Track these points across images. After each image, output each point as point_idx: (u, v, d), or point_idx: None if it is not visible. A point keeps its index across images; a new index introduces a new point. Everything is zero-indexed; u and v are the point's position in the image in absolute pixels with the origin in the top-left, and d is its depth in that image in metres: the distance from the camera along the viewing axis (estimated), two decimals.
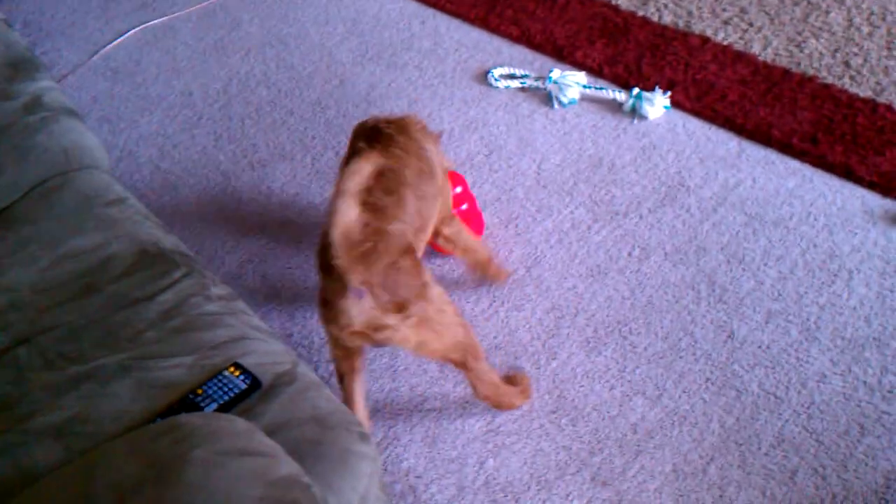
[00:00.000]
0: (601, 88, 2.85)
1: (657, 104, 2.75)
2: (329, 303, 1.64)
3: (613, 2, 3.20)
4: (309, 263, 2.45)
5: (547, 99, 2.89)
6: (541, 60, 3.05)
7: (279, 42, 3.31)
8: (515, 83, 2.95)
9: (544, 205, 2.54)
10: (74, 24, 3.51)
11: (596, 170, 2.62)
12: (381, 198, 1.70)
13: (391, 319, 1.63)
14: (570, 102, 2.85)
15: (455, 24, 3.27)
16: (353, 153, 1.91)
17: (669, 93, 2.79)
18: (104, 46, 3.37)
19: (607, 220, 2.47)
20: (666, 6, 3.14)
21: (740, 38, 2.96)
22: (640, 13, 3.13)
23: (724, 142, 2.66)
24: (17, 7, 3.57)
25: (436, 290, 1.75)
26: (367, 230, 1.61)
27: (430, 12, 3.33)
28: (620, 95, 2.82)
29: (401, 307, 1.63)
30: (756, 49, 2.91)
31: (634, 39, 3.03)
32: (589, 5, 3.20)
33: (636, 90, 2.79)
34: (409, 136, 1.92)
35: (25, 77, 2.17)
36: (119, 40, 3.39)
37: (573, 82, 2.85)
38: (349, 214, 1.47)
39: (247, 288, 2.41)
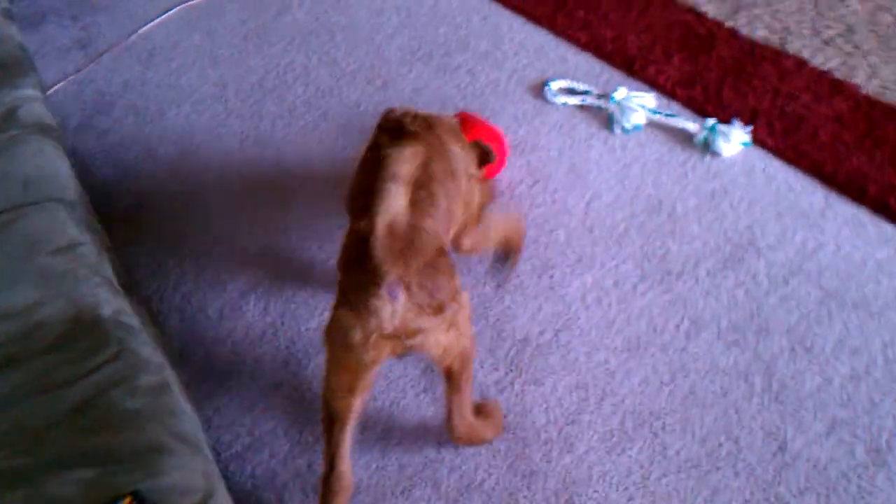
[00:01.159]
0: (671, 115, 2.48)
1: (734, 140, 2.37)
2: (353, 304, 1.48)
3: (700, 9, 2.79)
4: (317, 299, 2.19)
5: (607, 122, 2.52)
6: (608, 74, 2.68)
7: (326, 32, 3.01)
8: (575, 100, 2.59)
9: (587, 253, 2.20)
10: None
11: (652, 215, 2.27)
12: (415, 192, 1.50)
13: (426, 322, 1.51)
14: (633, 129, 2.49)
15: (518, 22, 2.93)
16: (376, 146, 1.76)
17: (751, 127, 2.39)
18: (145, 24, 3.14)
19: (657, 280, 2.12)
20: (760, 18, 2.72)
21: (842, 63, 2.53)
22: (729, 24, 2.72)
23: (808, 192, 2.27)
24: None
25: (464, 294, 1.63)
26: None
27: (493, 7, 2.99)
28: (692, 126, 2.44)
29: (438, 309, 1.52)
30: (859, 79, 2.48)
31: (718, 56, 2.63)
32: (671, 11, 2.81)
33: (711, 121, 2.41)
34: (435, 135, 1.77)
35: (5, 83, 1.94)
36: (161, 18, 3.16)
37: (639, 105, 2.48)
38: (399, 202, 1.37)
39: (245, 321, 2.16)
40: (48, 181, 1.77)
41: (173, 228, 2.43)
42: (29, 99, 1.93)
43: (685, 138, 2.45)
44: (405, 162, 1.39)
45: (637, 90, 2.56)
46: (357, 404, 1.63)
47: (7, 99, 1.91)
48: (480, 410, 1.83)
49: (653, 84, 2.60)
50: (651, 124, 2.50)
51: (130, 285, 1.94)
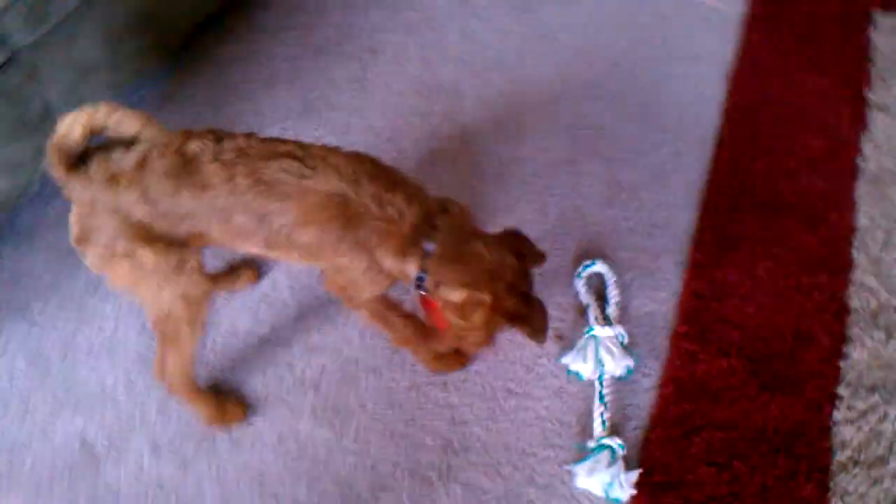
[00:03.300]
0: (604, 406, 1.92)
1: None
2: None
3: None
4: None
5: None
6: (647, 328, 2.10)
7: None
8: (588, 297, 2.10)
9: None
10: None
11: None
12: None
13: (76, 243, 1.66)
14: (574, 374, 2.00)
15: None
16: None
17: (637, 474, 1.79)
18: None
19: None
20: None
21: None
22: None
23: None
24: None
25: (149, 256, 1.64)
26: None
27: None
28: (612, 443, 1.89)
29: (80, 240, 1.65)
30: None
31: None
32: None
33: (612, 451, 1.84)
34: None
35: None
36: None
37: (600, 360, 1.96)
38: (70, 128, 1.52)
39: None
40: None
41: None
42: None
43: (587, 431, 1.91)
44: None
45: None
46: None
47: None
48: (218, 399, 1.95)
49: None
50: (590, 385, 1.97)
51: None
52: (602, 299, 2.10)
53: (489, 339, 1.78)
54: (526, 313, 1.67)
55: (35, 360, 2.07)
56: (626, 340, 2.00)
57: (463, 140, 2.48)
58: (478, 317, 1.69)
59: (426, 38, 2.78)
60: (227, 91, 2.62)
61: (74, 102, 1.63)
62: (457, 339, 1.81)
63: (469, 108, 2.57)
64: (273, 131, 2.46)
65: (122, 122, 1.57)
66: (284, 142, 1.66)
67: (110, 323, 2.13)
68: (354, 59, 2.72)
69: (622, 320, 2.05)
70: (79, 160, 1.58)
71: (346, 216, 1.61)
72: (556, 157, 2.42)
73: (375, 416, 1.96)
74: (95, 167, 1.58)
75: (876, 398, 1.88)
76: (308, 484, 1.86)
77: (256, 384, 2.02)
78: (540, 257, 1.78)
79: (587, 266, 2.14)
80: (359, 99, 2.60)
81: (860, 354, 1.96)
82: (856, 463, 1.79)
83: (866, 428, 1.84)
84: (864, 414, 1.86)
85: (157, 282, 1.68)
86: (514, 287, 1.67)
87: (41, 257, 2.24)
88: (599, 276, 2.14)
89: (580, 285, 2.11)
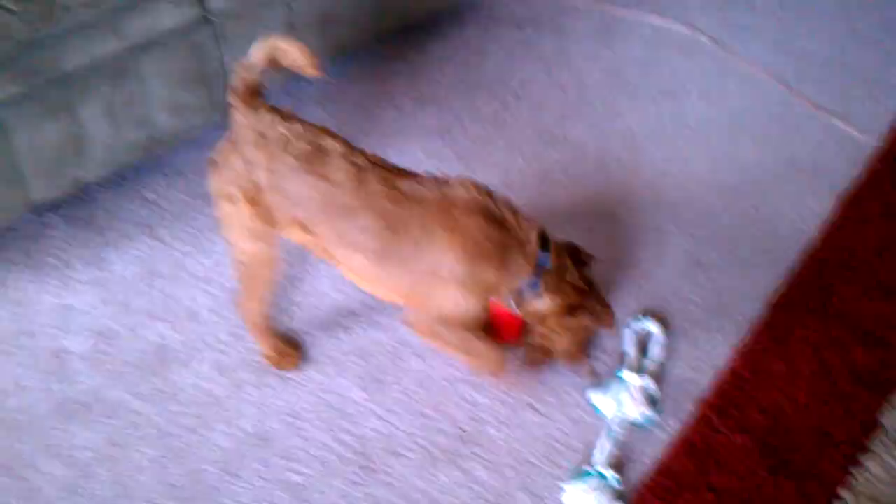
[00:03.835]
0: (638, 424, 2.08)
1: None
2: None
3: None
4: None
5: (600, 376, 2.19)
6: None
7: None
8: (629, 342, 2.23)
9: None
10: None
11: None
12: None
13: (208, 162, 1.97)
14: (595, 410, 2.14)
15: None
16: None
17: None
18: None
19: None
20: None
21: None
22: None
23: None
24: None
25: (244, 212, 1.91)
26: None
27: None
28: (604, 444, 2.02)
29: (212, 162, 1.95)
30: None
31: None
32: None
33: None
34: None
35: None
36: None
37: (624, 410, 2.09)
38: (256, 52, 1.82)
39: None
40: None
41: None
42: None
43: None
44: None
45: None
46: None
47: None
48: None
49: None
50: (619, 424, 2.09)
51: None
52: (644, 354, 2.22)
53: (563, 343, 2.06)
54: (585, 303, 1.97)
55: (146, 271, 2.39)
56: (656, 395, 2.11)
57: (570, 189, 2.67)
58: (552, 321, 1.97)
59: (570, 98, 3.00)
60: (380, 99, 2.92)
61: None
62: (531, 342, 2.08)
63: (586, 166, 2.75)
64: (405, 141, 2.75)
65: (290, 52, 1.78)
66: (413, 171, 1.92)
67: (216, 258, 2.41)
68: (499, 100, 2.96)
69: (656, 377, 2.16)
70: (254, 104, 1.85)
71: (493, 223, 1.85)
72: (648, 224, 2.56)
73: (408, 393, 2.15)
74: (258, 119, 1.84)
75: None
76: (331, 432, 2.07)
77: (318, 338, 2.25)
78: (590, 258, 2.04)
79: (639, 320, 2.26)
80: (490, 133, 2.84)
81: (875, 467, 1.99)
82: None
83: None
84: None
85: (241, 234, 1.95)
86: (575, 287, 1.96)
87: (180, 192, 2.58)
88: (649, 333, 2.26)
89: (628, 335, 2.24)
